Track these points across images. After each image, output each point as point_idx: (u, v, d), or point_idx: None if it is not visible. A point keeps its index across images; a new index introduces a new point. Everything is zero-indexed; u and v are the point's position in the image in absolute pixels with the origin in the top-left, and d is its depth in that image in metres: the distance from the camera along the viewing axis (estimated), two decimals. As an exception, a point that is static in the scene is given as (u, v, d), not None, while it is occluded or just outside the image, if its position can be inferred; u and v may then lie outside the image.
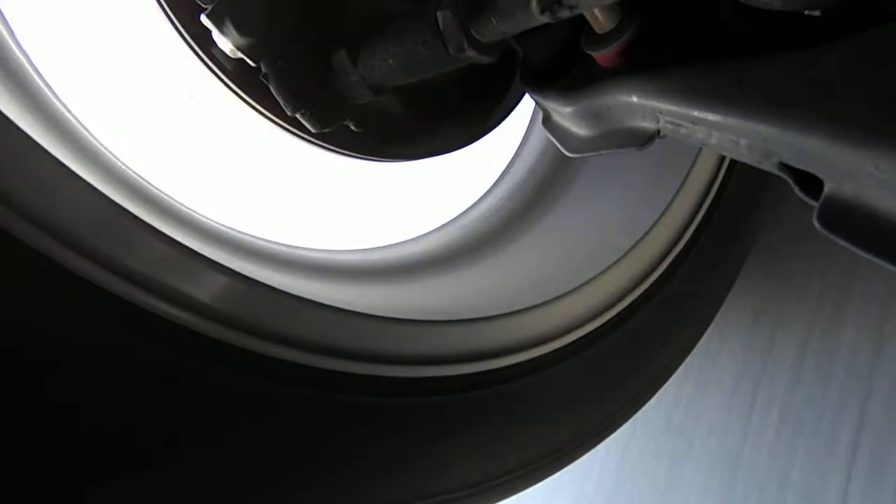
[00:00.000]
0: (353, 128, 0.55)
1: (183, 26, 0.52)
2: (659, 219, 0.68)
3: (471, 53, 0.42)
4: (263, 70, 0.48)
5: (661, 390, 0.74)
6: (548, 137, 0.52)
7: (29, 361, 0.35)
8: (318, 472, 0.47)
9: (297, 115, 0.50)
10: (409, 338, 0.52)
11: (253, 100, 0.55)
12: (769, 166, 0.32)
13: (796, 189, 0.30)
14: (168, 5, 0.51)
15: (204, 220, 0.52)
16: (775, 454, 0.79)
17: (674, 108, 0.36)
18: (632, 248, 0.67)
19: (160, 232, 0.40)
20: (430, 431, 0.52)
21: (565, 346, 0.62)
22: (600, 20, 0.41)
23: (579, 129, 0.47)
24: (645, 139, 0.40)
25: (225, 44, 0.47)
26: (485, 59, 0.43)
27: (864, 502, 0.69)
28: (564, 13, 0.36)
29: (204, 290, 0.42)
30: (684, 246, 0.70)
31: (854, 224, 0.27)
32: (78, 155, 0.42)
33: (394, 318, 0.52)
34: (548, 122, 0.52)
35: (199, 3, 0.47)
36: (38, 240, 0.35)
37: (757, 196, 0.79)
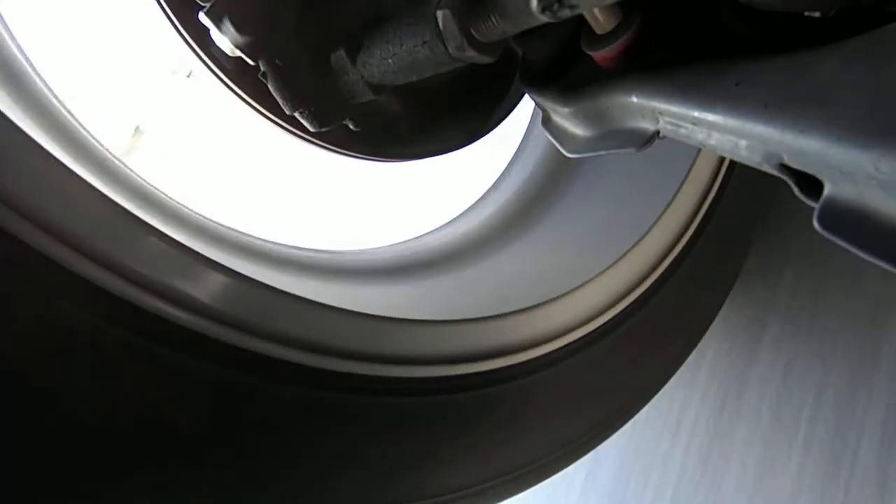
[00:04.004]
0: (351, 127, 0.55)
1: (181, 24, 0.52)
2: (658, 220, 0.68)
3: (470, 53, 0.42)
4: (262, 69, 0.48)
5: (660, 392, 0.74)
6: (547, 138, 0.52)
7: (29, 361, 0.35)
8: (317, 472, 0.47)
9: (296, 114, 0.50)
10: (409, 338, 0.52)
11: (251, 98, 0.55)
12: (769, 167, 0.32)
13: (796, 190, 0.30)
14: (167, 3, 0.51)
15: (204, 220, 0.52)
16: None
17: (674, 108, 0.36)
18: (630, 249, 0.67)
19: (160, 232, 0.40)
20: (430, 431, 0.52)
21: (565, 347, 0.62)
22: (600, 20, 0.41)
23: (579, 130, 0.47)
24: (644, 140, 0.40)
25: (223, 42, 0.47)
26: (484, 59, 0.43)
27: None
28: (565, 13, 0.36)
29: (204, 290, 0.42)
30: (683, 247, 0.70)
31: (854, 225, 0.27)
32: (78, 155, 0.42)
33: (394, 318, 0.52)
34: (547, 122, 0.52)
35: (198, 1, 0.47)
36: (39, 240, 0.35)
37: (756, 198, 0.79)
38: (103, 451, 0.38)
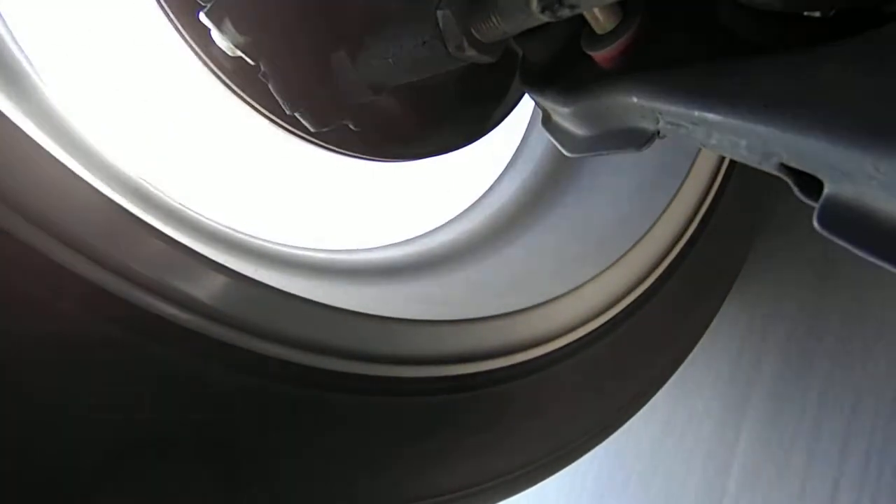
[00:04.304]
0: (351, 127, 0.55)
1: (181, 24, 0.52)
2: (658, 220, 0.68)
3: (471, 53, 0.42)
4: (262, 69, 0.48)
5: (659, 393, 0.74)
6: (547, 137, 0.52)
7: (28, 362, 0.35)
8: (317, 472, 0.47)
9: (296, 114, 0.50)
10: (408, 338, 0.52)
11: (251, 98, 0.55)
12: (769, 167, 0.32)
13: (796, 190, 0.30)
14: (166, 3, 0.51)
15: (204, 220, 0.52)
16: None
17: (674, 108, 0.36)
18: (630, 249, 0.67)
19: (160, 232, 0.40)
20: (429, 431, 0.52)
21: (565, 347, 0.62)
22: (600, 20, 0.40)
23: (579, 130, 0.47)
24: (644, 140, 0.40)
25: (223, 42, 0.47)
26: (485, 59, 0.43)
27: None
28: (565, 12, 0.36)
29: (204, 290, 0.42)
30: (683, 247, 0.70)
31: (854, 225, 0.27)
32: (78, 155, 0.42)
33: (394, 318, 0.52)
34: (547, 122, 0.52)
35: (198, 0, 0.47)
36: (38, 240, 0.35)
37: (756, 197, 0.79)
38: (101, 451, 0.38)
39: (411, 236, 0.74)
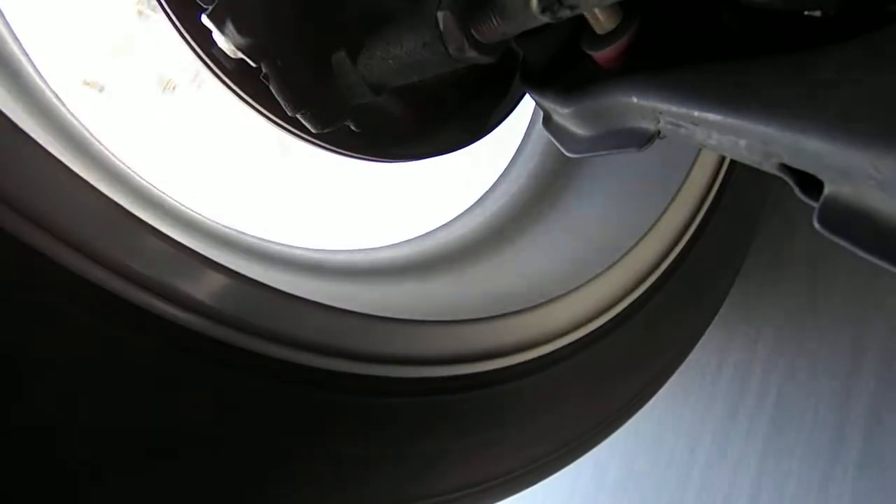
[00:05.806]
0: (352, 128, 0.55)
1: (183, 26, 0.52)
2: (657, 220, 0.68)
3: (471, 54, 0.42)
4: (264, 70, 0.48)
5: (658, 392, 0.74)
6: (548, 138, 0.52)
7: (28, 361, 0.35)
8: (316, 472, 0.47)
9: (298, 115, 0.50)
10: (408, 338, 0.52)
11: (253, 99, 0.55)
12: (769, 167, 0.32)
13: (797, 190, 0.30)
14: (168, 5, 0.51)
15: (204, 220, 0.52)
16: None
17: (674, 108, 0.36)
18: (630, 249, 0.67)
19: (160, 232, 0.40)
20: (429, 432, 0.52)
21: (564, 347, 0.62)
22: (601, 20, 0.41)
23: (579, 130, 0.47)
24: (645, 140, 0.40)
25: (225, 44, 0.47)
26: (485, 60, 0.43)
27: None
28: (565, 13, 0.36)
29: (204, 290, 0.42)
30: (683, 248, 0.70)
31: (854, 225, 0.27)
32: (78, 155, 0.42)
33: (394, 318, 0.52)
34: (548, 122, 0.52)
35: (200, 2, 0.47)
36: (39, 239, 0.35)
37: (756, 198, 0.79)
38: (99, 451, 0.38)
39: (411, 237, 0.74)
